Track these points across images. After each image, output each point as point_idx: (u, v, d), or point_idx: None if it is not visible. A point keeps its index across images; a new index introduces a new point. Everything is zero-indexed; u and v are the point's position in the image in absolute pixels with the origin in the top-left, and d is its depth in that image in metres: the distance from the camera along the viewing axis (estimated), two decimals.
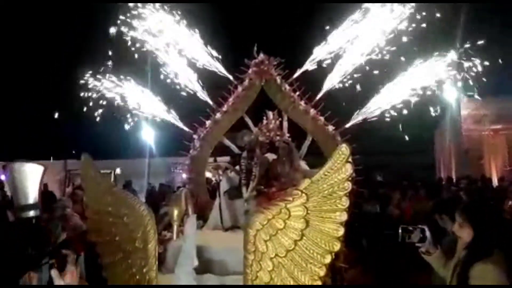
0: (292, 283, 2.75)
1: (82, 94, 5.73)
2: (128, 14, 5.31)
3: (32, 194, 2.44)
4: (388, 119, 5.17)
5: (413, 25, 4.99)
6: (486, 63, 5.35)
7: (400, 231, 2.94)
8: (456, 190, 7.71)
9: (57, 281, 1.43)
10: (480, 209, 2.63)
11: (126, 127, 5.78)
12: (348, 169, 2.60)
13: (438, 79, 5.11)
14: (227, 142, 5.19)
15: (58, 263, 1.49)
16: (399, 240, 2.90)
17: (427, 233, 2.82)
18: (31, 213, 2.25)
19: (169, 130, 5.93)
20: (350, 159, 2.63)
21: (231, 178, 4.88)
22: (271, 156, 4.87)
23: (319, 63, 5.11)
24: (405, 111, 5.13)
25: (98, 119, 5.91)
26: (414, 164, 14.87)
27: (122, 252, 3.24)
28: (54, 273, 1.42)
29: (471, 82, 5.41)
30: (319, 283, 2.74)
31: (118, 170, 14.16)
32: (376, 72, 5.18)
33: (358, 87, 5.18)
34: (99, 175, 3.18)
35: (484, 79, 5.51)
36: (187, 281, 2.85)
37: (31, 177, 2.48)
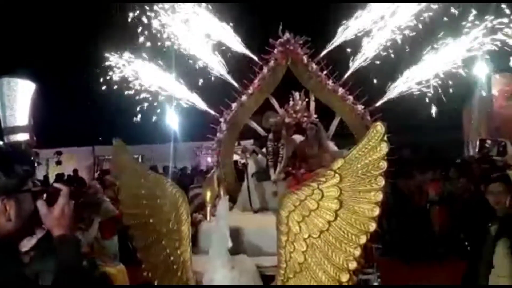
0: (326, 263, 2.74)
1: (108, 79, 5.81)
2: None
3: (21, 114, 2.31)
4: (417, 97, 5.02)
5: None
6: None
7: (478, 143, 2.90)
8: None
9: (43, 212, 1.28)
10: None
11: (151, 112, 5.83)
12: (384, 148, 2.54)
13: (470, 53, 4.91)
14: (254, 124, 5.17)
15: (48, 195, 1.32)
16: (477, 151, 2.93)
17: (509, 146, 2.78)
18: (19, 137, 2.08)
19: (194, 114, 5.94)
20: (385, 138, 2.58)
21: (258, 160, 4.88)
22: (298, 138, 4.84)
23: (346, 41, 4.97)
24: (434, 88, 4.97)
25: (123, 105, 5.99)
26: (445, 142, 14.49)
27: (156, 234, 3.31)
28: (40, 203, 1.28)
29: (503, 57, 5.18)
30: (354, 263, 2.72)
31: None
32: (405, 49, 5.02)
33: (387, 64, 5.04)
34: (132, 159, 3.23)
35: None
36: (222, 262, 2.89)
37: (21, 95, 2.35)
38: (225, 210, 3.06)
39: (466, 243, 3.73)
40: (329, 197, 2.70)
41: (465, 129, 17.04)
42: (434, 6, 4.86)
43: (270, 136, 4.67)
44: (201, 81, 5.53)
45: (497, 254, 2.19)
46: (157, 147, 14.47)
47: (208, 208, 2.93)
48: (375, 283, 3.25)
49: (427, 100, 5.16)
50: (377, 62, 5.00)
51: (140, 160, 13.96)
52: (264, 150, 4.80)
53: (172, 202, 3.12)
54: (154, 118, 6.17)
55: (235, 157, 5.40)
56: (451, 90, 5.14)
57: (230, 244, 2.95)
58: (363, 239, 2.68)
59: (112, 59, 5.66)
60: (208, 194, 2.94)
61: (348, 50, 5.03)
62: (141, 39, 5.48)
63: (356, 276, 2.96)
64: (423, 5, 4.84)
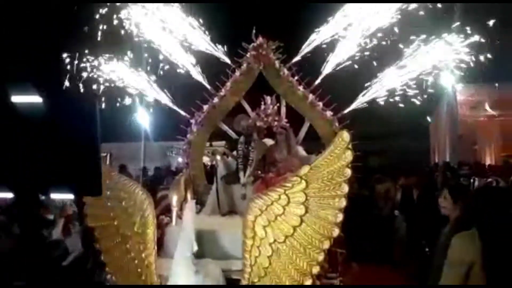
0: (290, 268, 2.78)
1: (75, 75, 5.69)
2: None
3: None
4: (384, 104, 5.16)
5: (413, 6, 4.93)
6: (483, 50, 5.34)
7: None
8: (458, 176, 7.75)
9: None
10: (464, 190, 3.10)
11: (121, 110, 5.74)
12: (349, 156, 2.61)
13: (436, 64, 5.09)
14: (225, 127, 5.16)
15: None
16: None
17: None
18: None
19: (165, 114, 5.89)
20: (350, 146, 2.65)
21: (228, 163, 4.89)
22: (268, 142, 4.87)
23: (318, 47, 5.06)
24: (401, 97, 5.13)
25: (92, 101, 5.85)
26: (410, 149, 14.95)
27: (121, 236, 3.26)
28: None
29: (467, 69, 5.40)
30: (317, 268, 2.78)
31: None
32: (374, 58, 5.15)
33: (356, 72, 5.16)
34: None
35: (482, 66, 5.50)
36: (186, 266, 2.88)
37: None
38: (191, 214, 3.05)
39: (427, 249, 3.86)
40: (295, 203, 2.74)
41: (431, 137, 17.66)
42: (405, 15, 4.99)
43: (241, 139, 4.69)
44: (172, 81, 5.49)
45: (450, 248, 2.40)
46: (126, 145, 14.21)
47: (174, 212, 2.91)
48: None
49: (394, 108, 5.31)
50: (347, 70, 5.11)
51: (108, 158, 13.65)
52: (234, 152, 4.81)
53: (138, 204, 3.09)
54: (123, 116, 6.08)
55: (205, 159, 5.38)
56: (418, 99, 5.31)
57: (195, 248, 2.94)
58: (326, 244, 2.74)
59: (80, 56, 5.54)
60: (174, 197, 2.91)
61: (320, 56, 5.11)
62: (110, 36, 5.38)
63: (320, 280, 3.02)
64: (393, 13, 4.96)
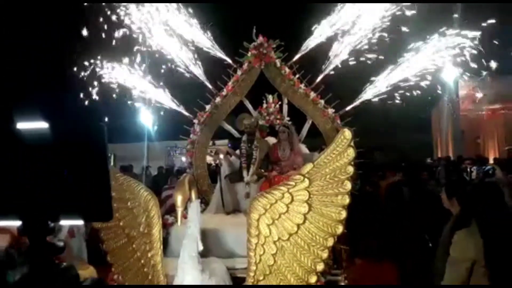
0: (295, 265, 2.81)
1: (79, 78, 5.72)
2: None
3: None
4: (386, 100, 5.17)
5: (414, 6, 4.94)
6: (486, 43, 5.33)
7: None
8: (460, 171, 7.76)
9: None
10: (460, 186, 3.08)
11: (125, 111, 5.77)
12: (351, 153, 2.64)
13: (438, 59, 5.09)
14: (227, 126, 5.19)
15: None
16: None
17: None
18: None
19: (168, 114, 5.92)
20: (352, 143, 2.67)
21: (231, 162, 4.92)
22: (271, 140, 4.90)
23: (319, 45, 5.07)
24: (403, 92, 5.14)
25: (96, 102, 5.91)
26: (412, 144, 14.95)
27: (126, 236, 3.30)
28: None
29: (470, 62, 5.39)
30: (321, 265, 2.81)
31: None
32: (376, 53, 5.15)
33: (358, 69, 5.16)
34: None
35: (483, 60, 5.49)
36: (192, 265, 2.91)
37: None
38: (196, 214, 3.08)
39: (430, 244, 3.88)
40: (298, 201, 2.77)
41: (433, 131, 17.63)
42: (406, 10, 5.00)
43: (244, 137, 4.71)
44: (175, 82, 5.51)
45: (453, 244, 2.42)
46: (130, 146, 14.27)
47: (179, 212, 2.94)
48: (342, 284, 3.35)
49: (396, 103, 5.32)
50: (349, 67, 5.12)
51: (112, 159, 13.71)
52: (237, 151, 4.84)
53: (143, 205, 3.12)
54: (127, 117, 6.11)
55: (209, 158, 5.41)
56: (420, 94, 5.32)
57: (201, 247, 2.97)
58: (330, 242, 2.77)
59: (84, 57, 5.57)
60: (179, 198, 2.94)
61: (321, 54, 5.12)
62: (116, 37, 5.41)
63: (324, 277, 3.05)
64: (394, 9, 4.96)
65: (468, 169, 6.73)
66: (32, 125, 1.16)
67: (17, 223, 1.19)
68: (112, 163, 12.81)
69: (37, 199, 1.17)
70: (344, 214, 2.70)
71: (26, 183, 1.16)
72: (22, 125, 1.16)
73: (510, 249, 2.19)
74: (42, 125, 1.15)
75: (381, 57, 5.15)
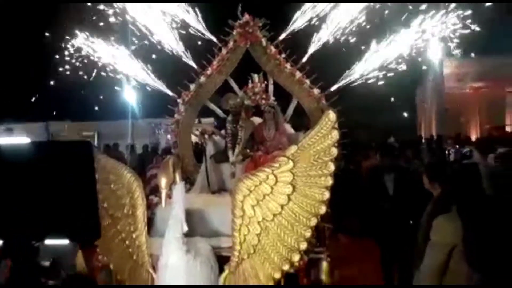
0: (279, 245, 2.86)
1: (63, 54, 5.59)
2: None
3: None
4: (371, 79, 5.18)
5: None
6: (469, 22, 5.35)
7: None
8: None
9: None
10: (443, 168, 3.12)
11: (109, 88, 5.67)
12: (335, 135, 2.66)
13: (422, 38, 5.11)
14: (212, 106, 5.14)
15: None
16: None
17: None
18: None
19: (153, 91, 5.84)
20: (336, 125, 2.69)
21: (217, 142, 4.90)
22: (256, 120, 4.88)
23: (306, 25, 5.01)
24: (388, 72, 5.16)
25: (80, 80, 5.80)
26: (397, 123, 15.12)
27: (110, 218, 3.30)
28: None
29: (453, 41, 5.41)
30: (305, 244, 2.87)
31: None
32: (361, 33, 5.13)
33: (344, 49, 5.14)
34: None
35: (467, 38, 5.52)
36: (177, 245, 2.93)
37: None
38: (181, 196, 3.08)
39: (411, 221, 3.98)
40: (282, 182, 2.80)
41: (418, 110, 17.85)
42: None
43: (229, 117, 4.69)
44: (158, 59, 5.42)
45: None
46: (114, 123, 14.06)
47: (163, 194, 2.94)
48: (325, 262, 3.43)
49: (381, 83, 5.34)
50: (334, 46, 5.09)
51: (96, 137, 13.54)
52: (222, 131, 4.82)
53: (127, 186, 3.11)
54: (110, 94, 6.02)
55: (194, 138, 5.38)
56: (405, 73, 5.35)
57: (185, 228, 2.99)
58: (313, 222, 2.82)
59: (69, 35, 5.43)
60: (163, 180, 2.94)
61: (307, 33, 5.07)
62: (98, 16, 5.26)
63: (307, 255, 3.11)
64: None
65: (447, 151, 6.84)
66: (15, 141, 1.13)
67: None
68: (96, 142, 12.69)
69: (20, 218, 1.13)
70: (327, 195, 2.74)
71: (8, 201, 1.12)
72: (4, 141, 1.12)
73: (487, 232, 2.24)
74: (25, 140, 1.12)
75: (367, 35, 5.13)
